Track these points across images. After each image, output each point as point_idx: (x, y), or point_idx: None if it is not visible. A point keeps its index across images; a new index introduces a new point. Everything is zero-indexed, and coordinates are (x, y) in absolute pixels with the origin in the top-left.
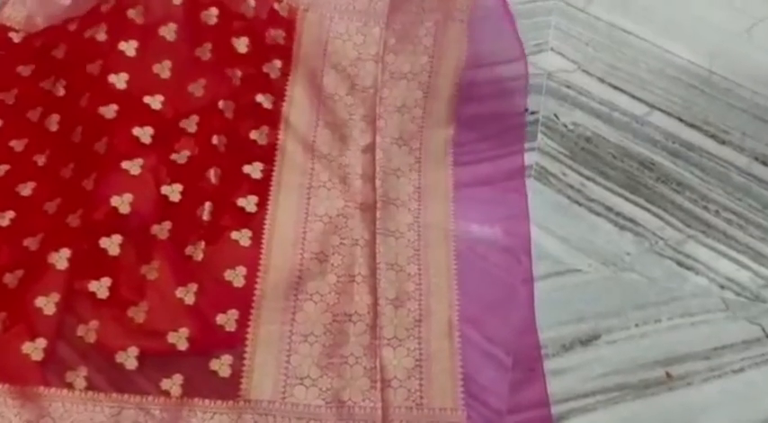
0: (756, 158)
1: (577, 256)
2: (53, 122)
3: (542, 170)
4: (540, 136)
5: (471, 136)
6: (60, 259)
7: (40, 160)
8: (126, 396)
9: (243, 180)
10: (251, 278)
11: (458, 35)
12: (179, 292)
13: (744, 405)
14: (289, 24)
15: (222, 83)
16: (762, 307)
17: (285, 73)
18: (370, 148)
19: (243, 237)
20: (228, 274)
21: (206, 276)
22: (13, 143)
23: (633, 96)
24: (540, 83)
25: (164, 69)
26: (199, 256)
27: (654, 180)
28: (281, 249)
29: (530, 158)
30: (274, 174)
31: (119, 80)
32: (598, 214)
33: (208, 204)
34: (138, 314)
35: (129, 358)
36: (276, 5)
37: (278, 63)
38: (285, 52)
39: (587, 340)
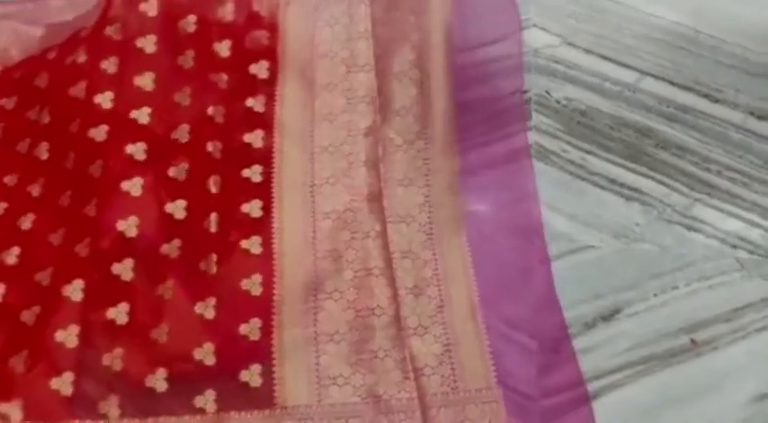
0: (752, 113)
1: (588, 232)
2: (43, 151)
3: (541, 149)
4: (534, 114)
5: (472, 119)
6: (75, 291)
7: (35, 190)
8: (162, 418)
9: (243, 185)
10: (267, 285)
11: None
12: (198, 308)
13: None
14: (271, 24)
15: (208, 89)
16: None
17: (273, 72)
18: (372, 131)
19: (253, 244)
20: (245, 284)
21: (223, 289)
22: (6, 179)
23: (622, 64)
24: (528, 61)
25: (147, 81)
26: (213, 270)
27: (653, 147)
28: (292, 252)
29: (528, 138)
30: (275, 175)
31: (104, 99)
32: (603, 188)
33: (213, 215)
34: (161, 336)
35: (158, 381)
36: (256, 6)
37: (264, 64)
38: (270, 52)
39: (609, 316)
